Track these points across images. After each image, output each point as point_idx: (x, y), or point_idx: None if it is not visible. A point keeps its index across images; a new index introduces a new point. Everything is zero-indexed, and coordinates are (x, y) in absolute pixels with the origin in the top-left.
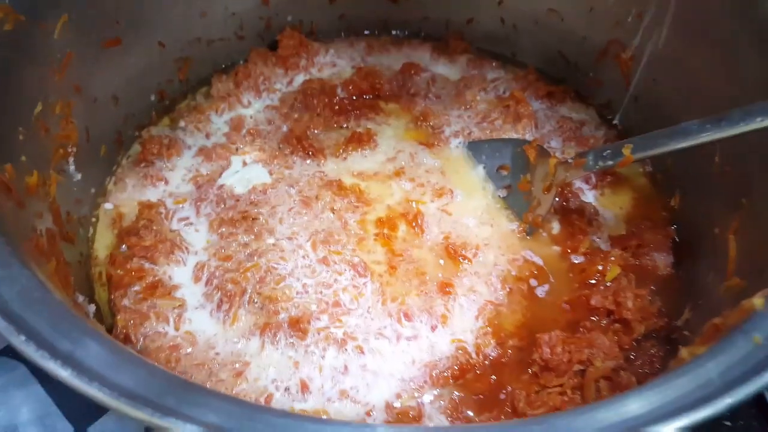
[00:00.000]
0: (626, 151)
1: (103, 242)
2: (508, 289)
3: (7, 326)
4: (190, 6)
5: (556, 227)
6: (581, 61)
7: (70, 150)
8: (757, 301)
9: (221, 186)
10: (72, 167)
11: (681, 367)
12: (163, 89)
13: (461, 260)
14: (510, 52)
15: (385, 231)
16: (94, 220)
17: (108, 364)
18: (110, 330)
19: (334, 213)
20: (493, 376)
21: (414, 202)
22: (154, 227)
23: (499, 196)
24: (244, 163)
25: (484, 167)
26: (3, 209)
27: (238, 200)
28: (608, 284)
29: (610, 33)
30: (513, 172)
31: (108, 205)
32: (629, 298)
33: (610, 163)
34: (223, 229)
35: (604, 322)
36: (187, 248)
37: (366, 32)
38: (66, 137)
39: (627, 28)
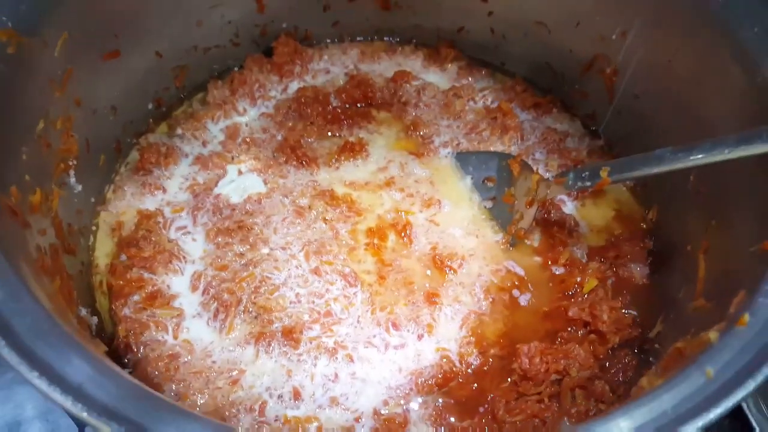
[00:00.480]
0: (603, 173)
1: (103, 250)
2: (491, 299)
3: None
4: (187, 16)
5: (537, 239)
6: (567, 72)
7: (70, 163)
8: (713, 334)
9: (217, 195)
10: (73, 179)
11: (639, 399)
12: (161, 97)
13: (447, 271)
14: (499, 62)
15: (376, 241)
16: (94, 228)
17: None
18: (112, 338)
19: (326, 223)
20: (475, 384)
21: (403, 213)
22: (153, 237)
23: (485, 206)
24: (240, 172)
25: (472, 178)
26: (9, 234)
27: (233, 210)
28: (585, 296)
29: (595, 48)
30: (498, 184)
31: (107, 214)
32: (605, 311)
33: (588, 184)
34: (219, 239)
35: (581, 332)
36: (184, 258)
37: (359, 38)
38: (67, 151)
39: (611, 44)
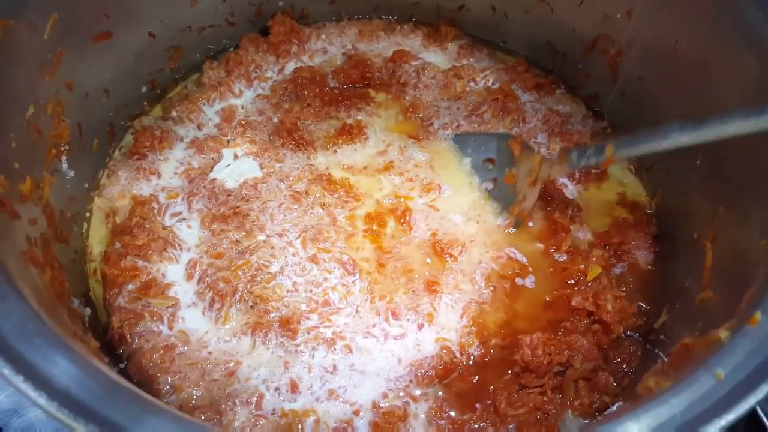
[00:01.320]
0: (608, 151)
1: (97, 237)
2: (491, 288)
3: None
4: None
5: (540, 222)
6: (570, 52)
7: (62, 149)
8: (723, 333)
9: (213, 180)
10: (65, 165)
11: (647, 402)
12: (154, 78)
13: (447, 258)
14: (500, 40)
15: (374, 227)
16: (87, 215)
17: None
18: (106, 329)
19: (323, 208)
20: (476, 377)
21: (402, 198)
22: (147, 225)
23: (485, 188)
24: (236, 156)
25: (471, 160)
26: None
27: (229, 195)
28: (589, 284)
29: (598, 28)
30: (498, 165)
31: (101, 200)
32: (609, 300)
33: (593, 161)
34: (215, 226)
35: (585, 322)
36: (180, 245)
37: (357, 17)
38: (58, 136)
39: (615, 24)
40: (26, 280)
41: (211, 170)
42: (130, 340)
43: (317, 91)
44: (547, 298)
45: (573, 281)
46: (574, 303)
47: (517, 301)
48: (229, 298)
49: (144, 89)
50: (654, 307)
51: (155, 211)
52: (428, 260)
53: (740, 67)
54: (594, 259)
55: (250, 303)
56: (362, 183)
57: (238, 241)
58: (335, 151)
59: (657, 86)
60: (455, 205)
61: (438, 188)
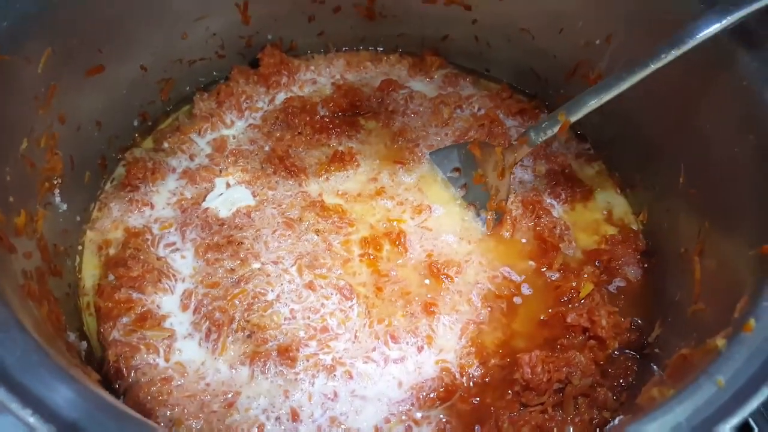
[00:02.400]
0: (561, 117)
1: (89, 270)
2: (489, 308)
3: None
4: (171, 29)
5: (530, 241)
6: (552, 78)
7: (55, 182)
8: (720, 341)
9: (206, 209)
10: (58, 198)
11: (652, 412)
12: (146, 110)
13: (444, 279)
14: (484, 68)
15: (370, 251)
16: (80, 248)
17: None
18: (101, 364)
19: (318, 235)
20: (477, 398)
21: (395, 222)
22: (141, 256)
23: (460, 197)
24: (228, 185)
25: (443, 173)
26: None
27: (222, 224)
28: (582, 301)
29: (579, 53)
30: (464, 170)
31: (94, 233)
32: (603, 316)
33: (550, 132)
34: (209, 255)
35: (580, 338)
36: (174, 276)
37: (344, 48)
38: (51, 169)
39: (595, 50)
40: (26, 313)
41: (204, 200)
42: (126, 374)
43: (308, 119)
44: (542, 317)
45: (566, 298)
46: (569, 320)
47: (513, 320)
48: (225, 328)
49: (136, 121)
50: (646, 321)
51: (149, 242)
52: (426, 281)
53: (719, 87)
54: (585, 276)
55: (247, 332)
56: (355, 209)
57: (233, 270)
58: (327, 178)
59: (637, 107)
60: (447, 224)
61: (428, 209)
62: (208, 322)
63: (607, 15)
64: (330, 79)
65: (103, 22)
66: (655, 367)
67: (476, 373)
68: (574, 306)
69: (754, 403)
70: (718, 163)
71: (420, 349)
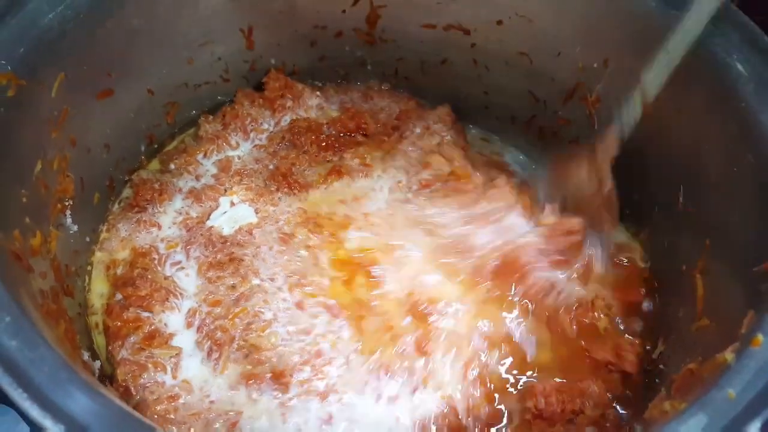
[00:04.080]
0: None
1: (98, 290)
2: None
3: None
4: (178, 54)
5: None
6: (550, 100)
7: (67, 203)
8: (729, 356)
9: (210, 228)
10: (69, 220)
11: (665, 425)
12: (153, 133)
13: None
14: (482, 91)
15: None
16: (89, 268)
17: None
18: (111, 380)
19: (308, 250)
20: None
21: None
22: (149, 275)
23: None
24: (232, 203)
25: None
26: (16, 280)
27: (225, 242)
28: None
29: (577, 76)
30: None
31: (102, 253)
32: (629, 351)
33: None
34: (211, 273)
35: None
36: (181, 294)
37: (344, 71)
38: (63, 191)
39: (593, 73)
40: (48, 332)
41: (208, 218)
42: (134, 392)
43: (313, 138)
44: (563, 353)
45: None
46: (598, 357)
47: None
48: (226, 348)
49: (142, 144)
50: (650, 339)
51: (156, 262)
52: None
53: (716, 107)
54: (599, 312)
55: (246, 351)
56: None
57: (234, 287)
58: (326, 188)
59: (636, 128)
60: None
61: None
62: (209, 342)
63: (600, 40)
64: (336, 104)
65: (112, 48)
66: (659, 381)
67: (485, 412)
68: (594, 340)
69: (766, 413)
70: (716, 182)
71: (415, 390)
